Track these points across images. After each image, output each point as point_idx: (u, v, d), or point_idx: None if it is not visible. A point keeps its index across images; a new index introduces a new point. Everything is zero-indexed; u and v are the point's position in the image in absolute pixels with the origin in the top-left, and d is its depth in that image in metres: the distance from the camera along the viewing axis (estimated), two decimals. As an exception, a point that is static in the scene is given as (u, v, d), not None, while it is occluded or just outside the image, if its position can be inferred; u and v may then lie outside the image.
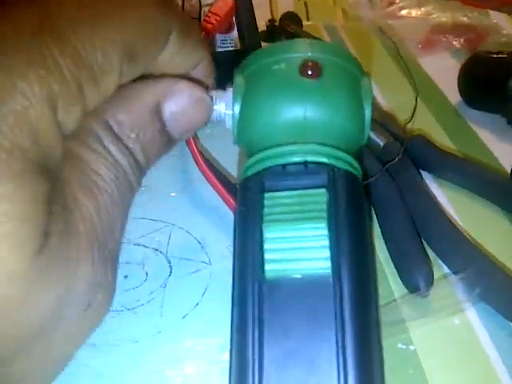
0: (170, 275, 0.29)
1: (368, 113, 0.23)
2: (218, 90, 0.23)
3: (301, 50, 0.22)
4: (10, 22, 0.14)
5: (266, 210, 0.19)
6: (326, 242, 0.17)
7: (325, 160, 0.19)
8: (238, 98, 0.22)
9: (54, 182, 0.15)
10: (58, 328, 0.16)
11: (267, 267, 0.18)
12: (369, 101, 0.23)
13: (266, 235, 0.18)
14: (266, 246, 0.18)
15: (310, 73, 0.20)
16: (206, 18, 0.41)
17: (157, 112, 0.19)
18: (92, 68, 0.15)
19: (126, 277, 0.29)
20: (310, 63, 0.21)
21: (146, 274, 0.29)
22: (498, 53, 0.44)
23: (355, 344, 0.16)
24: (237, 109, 0.22)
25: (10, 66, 0.14)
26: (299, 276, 0.17)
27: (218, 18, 0.42)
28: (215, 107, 0.22)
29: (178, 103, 0.19)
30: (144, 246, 0.30)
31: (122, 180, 0.18)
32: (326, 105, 0.21)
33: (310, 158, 0.20)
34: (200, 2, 0.42)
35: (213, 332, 0.26)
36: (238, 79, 0.23)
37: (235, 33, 0.44)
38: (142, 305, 0.27)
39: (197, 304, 0.27)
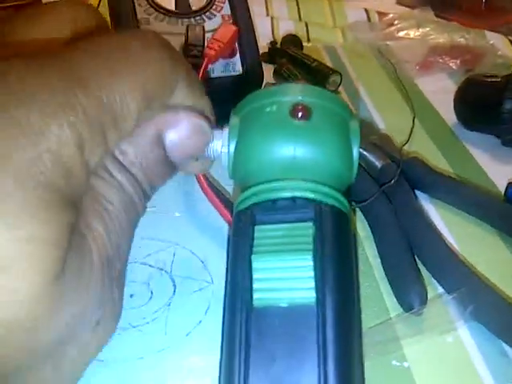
0: (174, 294, 0.30)
1: (356, 153, 0.24)
2: (216, 129, 0.24)
3: (292, 94, 0.23)
4: (41, 74, 0.16)
5: (255, 242, 0.20)
6: (311, 273, 0.18)
7: (312, 196, 0.21)
8: (232, 137, 0.23)
9: (78, 212, 0.17)
10: (70, 345, 0.17)
11: (255, 296, 0.19)
12: (356, 142, 0.24)
13: (254, 265, 0.19)
14: (255, 275, 0.19)
15: (299, 115, 0.22)
16: (210, 45, 0.43)
17: (158, 141, 0.21)
18: (114, 114, 0.17)
19: (131, 296, 0.30)
20: (299, 106, 0.22)
21: (151, 292, 0.30)
22: (492, 76, 0.46)
23: (336, 370, 0.17)
24: (232, 147, 0.23)
25: (46, 111, 0.15)
26: (285, 305, 0.18)
27: (221, 45, 0.43)
28: (211, 145, 0.23)
29: (178, 132, 0.21)
30: (149, 265, 0.32)
31: (128, 204, 0.20)
32: (314, 145, 0.22)
33: (297, 194, 0.21)
34: (203, 29, 0.44)
35: (216, 349, 0.27)
36: (234, 120, 0.24)
37: (237, 58, 0.46)
38: (147, 323, 0.29)
39: (200, 322, 0.29)
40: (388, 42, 0.63)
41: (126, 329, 0.28)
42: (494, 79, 0.45)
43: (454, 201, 0.38)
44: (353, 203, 0.36)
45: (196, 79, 0.23)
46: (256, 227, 0.20)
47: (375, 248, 0.34)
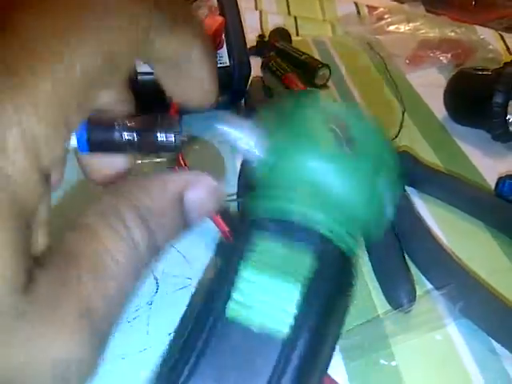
0: (156, 292, 0.29)
1: (389, 211, 0.23)
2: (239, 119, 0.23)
3: (337, 115, 0.21)
4: None
5: (251, 250, 0.19)
6: (294, 309, 0.17)
7: (327, 233, 0.20)
8: (268, 145, 0.22)
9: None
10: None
11: (230, 305, 0.18)
12: (390, 203, 0.23)
13: (241, 273, 0.18)
14: (238, 284, 0.18)
15: (344, 144, 0.20)
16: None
17: (179, 200, 0.20)
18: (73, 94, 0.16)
19: (112, 293, 0.29)
20: (346, 135, 0.20)
21: (133, 290, 0.29)
22: (482, 69, 0.45)
23: None
24: (264, 152, 0.22)
25: None
26: (255, 329, 0.17)
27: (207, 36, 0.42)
28: (239, 139, 0.22)
29: (198, 193, 0.21)
30: (131, 262, 0.31)
31: (136, 262, 0.18)
32: (349, 184, 0.21)
33: (314, 226, 0.20)
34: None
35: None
36: (269, 123, 0.23)
37: (224, 50, 0.45)
38: (129, 322, 0.28)
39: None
40: (378, 36, 0.62)
41: (106, 328, 0.27)
42: (484, 72, 0.45)
43: (444, 196, 0.37)
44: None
45: (183, 17, 0.20)
46: (258, 236, 0.19)
47: (363, 244, 0.34)
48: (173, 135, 0.20)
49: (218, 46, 0.44)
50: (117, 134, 0.19)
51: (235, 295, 0.18)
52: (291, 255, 0.19)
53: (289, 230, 0.20)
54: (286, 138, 0.22)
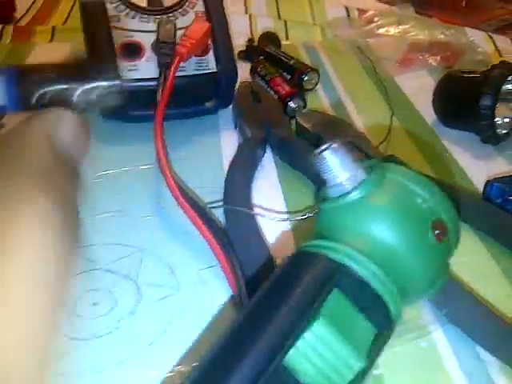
0: (139, 302, 0.29)
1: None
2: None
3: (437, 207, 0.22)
4: None
5: (327, 305, 0.18)
6: (350, 377, 0.17)
7: (391, 307, 0.19)
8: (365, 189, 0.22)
9: None
10: None
11: (291, 352, 0.17)
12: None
13: (314, 326, 0.17)
14: (306, 335, 0.17)
15: (437, 233, 0.21)
16: (181, 42, 0.42)
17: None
18: None
19: (94, 304, 0.29)
20: (441, 225, 0.21)
21: (116, 301, 0.29)
22: (470, 72, 0.45)
23: None
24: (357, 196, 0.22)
25: None
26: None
27: (193, 42, 0.42)
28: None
29: (66, 131, 0.23)
30: (114, 272, 0.30)
31: None
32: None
33: (386, 298, 0.19)
34: (175, 26, 0.43)
35: (178, 360, 0.26)
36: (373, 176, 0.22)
37: (211, 55, 0.44)
38: (110, 332, 0.27)
39: (164, 331, 0.27)
40: (368, 39, 0.62)
41: (87, 340, 0.27)
42: (472, 75, 0.44)
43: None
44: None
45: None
46: (336, 290, 0.18)
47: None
48: None
49: (205, 52, 0.44)
50: None
51: (300, 344, 0.17)
52: (359, 320, 0.18)
53: (361, 290, 0.19)
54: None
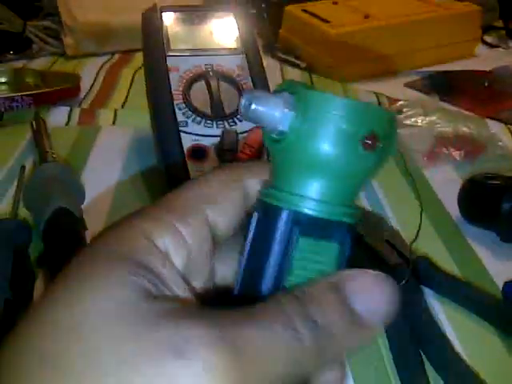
0: None
1: None
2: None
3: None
4: None
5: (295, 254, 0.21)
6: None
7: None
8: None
9: None
10: None
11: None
12: None
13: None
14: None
15: (368, 144, 0.21)
16: (242, 150, 0.49)
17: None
18: None
19: None
20: (372, 136, 0.21)
21: None
22: (493, 178, 0.51)
23: None
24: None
25: None
26: None
27: (252, 149, 0.49)
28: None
29: (367, 297, 0.21)
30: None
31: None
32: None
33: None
34: (237, 135, 0.49)
35: None
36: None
37: (265, 158, 0.51)
38: None
39: None
40: (397, 130, 0.68)
41: None
42: (494, 182, 0.51)
43: (457, 299, 0.43)
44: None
45: None
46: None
47: (386, 339, 0.39)
48: None
49: (260, 157, 0.51)
50: None
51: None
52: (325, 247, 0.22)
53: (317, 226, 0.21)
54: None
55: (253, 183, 0.23)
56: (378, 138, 0.21)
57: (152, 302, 0.17)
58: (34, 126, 0.62)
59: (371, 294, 0.20)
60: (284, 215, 0.21)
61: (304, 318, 0.18)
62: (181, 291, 0.19)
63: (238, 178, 0.23)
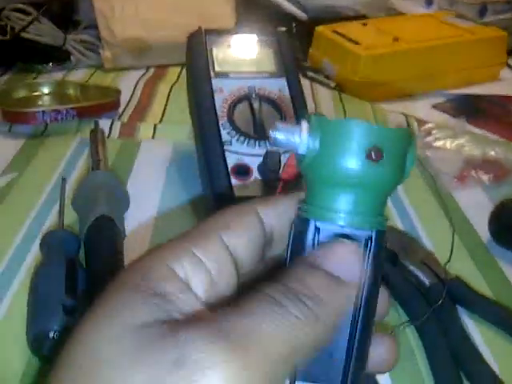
0: None
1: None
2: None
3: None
4: None
5: None
6: None
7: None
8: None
9: None
10: None
11: None
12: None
13: None
14: None
15: (371, 155, 0.23)
16: (285, 168, 0.51)
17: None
18: None
19: None
20: (376, 151, 0.23)
21: None
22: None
23: None
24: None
25: None
26: None
27: (294, 170, 0.51)
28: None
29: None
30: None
31: None
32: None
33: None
34: (279, 156, 0.52)
35: None
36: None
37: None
38: None
39: None
40: (427, 152, 0.71)
41: None
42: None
43: (491, 319, 0.45)
44: (408, 323, 0.44)
45: None
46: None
47: (426, 360, 0.41)
48: None
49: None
50: None
51: None
52: None
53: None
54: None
55: (268, 212, 0.25)
56: (381, 152, 0.23)
57: (154, 327, 0.19)
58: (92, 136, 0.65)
59: (345, 261, 0.22)
60: (311, 225, 0.24)
61: (290, 293, 0.20)
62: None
63: (250, 207, 0.25)
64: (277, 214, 0.25)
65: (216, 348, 0.18)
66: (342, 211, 0.24)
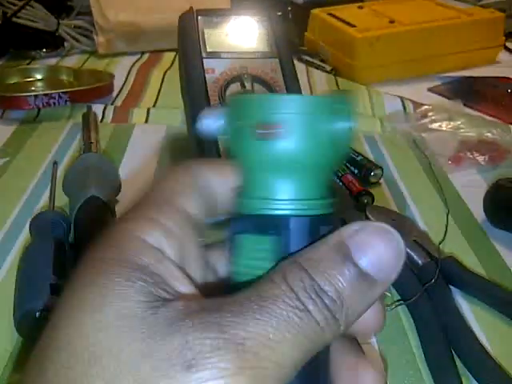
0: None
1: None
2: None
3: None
4: None
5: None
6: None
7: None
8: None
9: None
10: None
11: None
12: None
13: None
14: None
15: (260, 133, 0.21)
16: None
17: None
18: None
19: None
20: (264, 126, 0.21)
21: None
22: (517, 182, 0.53)
23: None
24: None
25: None
26: None
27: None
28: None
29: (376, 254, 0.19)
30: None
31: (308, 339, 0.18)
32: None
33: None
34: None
35: None
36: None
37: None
38: None
39: None
40: (422, 134, 0.70)
41: None
42: (519, 186, 0.52)
43: (484, 298, 0.45)
44: (400, 302, 0.43)
45: None
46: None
47: (418, 339, 0.41)
48: None
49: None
50: None
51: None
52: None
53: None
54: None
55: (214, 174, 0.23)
56: (269, 126, 0.20)
57: (156, 312, 0.17)
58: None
59: (375, 248, 0.19)
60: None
61: (313, 291, 0.17)
62: (182, 285, 0.19)
63: (199, 168, 0.23)
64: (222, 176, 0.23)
65: (228, 356, 0.16)
66: (249, 196, 0.22)
